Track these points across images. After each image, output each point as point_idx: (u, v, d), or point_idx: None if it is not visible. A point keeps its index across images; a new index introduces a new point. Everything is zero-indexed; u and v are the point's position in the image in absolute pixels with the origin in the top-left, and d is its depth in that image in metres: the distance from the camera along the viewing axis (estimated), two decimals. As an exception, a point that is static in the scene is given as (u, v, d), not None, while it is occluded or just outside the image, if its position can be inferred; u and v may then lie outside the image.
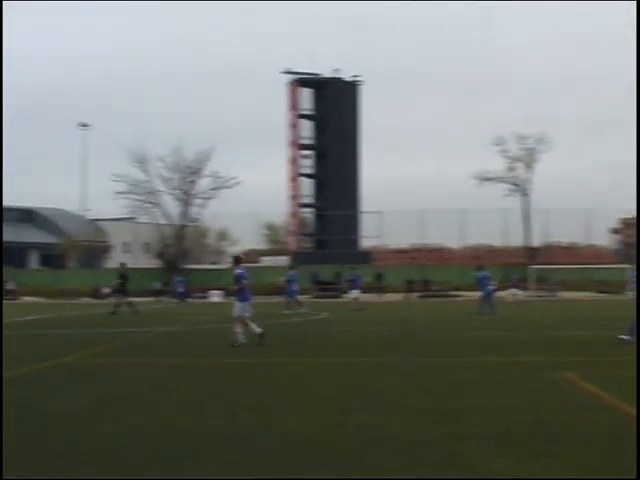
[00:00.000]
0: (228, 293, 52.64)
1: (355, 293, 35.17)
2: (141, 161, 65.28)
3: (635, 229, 63.72)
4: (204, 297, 54.95)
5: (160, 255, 67.10)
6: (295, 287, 33.41)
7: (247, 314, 17.31)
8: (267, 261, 69.06)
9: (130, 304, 31.65)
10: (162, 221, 67.61)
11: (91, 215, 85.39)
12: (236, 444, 7.36)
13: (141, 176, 65.79)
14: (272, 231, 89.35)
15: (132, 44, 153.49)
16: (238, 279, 17.34)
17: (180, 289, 45.72)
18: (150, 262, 68.29)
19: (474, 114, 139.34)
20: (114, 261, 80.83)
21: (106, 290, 56.54)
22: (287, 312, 31.44)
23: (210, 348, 17.50)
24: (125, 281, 32.58)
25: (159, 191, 66.56)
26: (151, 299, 53.02)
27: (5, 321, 27.82)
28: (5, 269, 67.80)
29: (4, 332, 22.48)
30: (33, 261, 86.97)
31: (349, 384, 11.35)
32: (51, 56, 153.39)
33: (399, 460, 6.64)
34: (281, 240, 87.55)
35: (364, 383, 11.41)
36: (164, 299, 54.79)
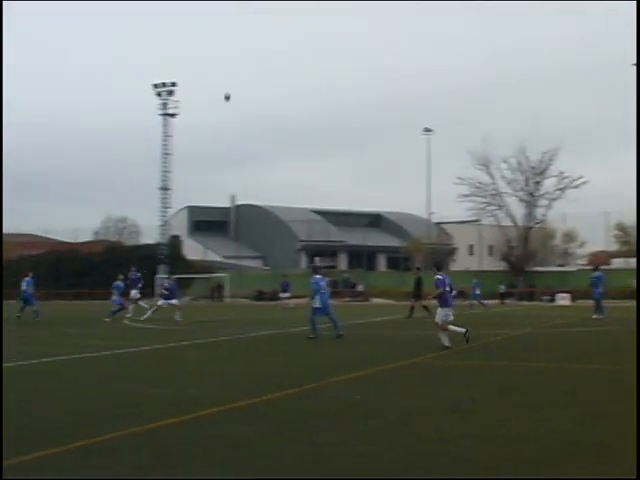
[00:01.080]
0: (577, 296, 50.83)
1: None
2: (485, 163, 65.11)
3: None
4: (552, 300, 53.55)
5: (505, 257, 66.42)
6: (600, 289, 31.14)
7: (450, 319, 17.19)
8: (618, 263, 65.74)
9: (425, 307, 31.61)
10: (506, 223, 66.89)
11: (436, 218, 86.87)
12: (594, 455, 6.83)
13: (485, 178, 65.63)
14: (623, 232, 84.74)
15: (459, 48, 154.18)
16: (438, 285, 17.35)
17: (477, 291, 44.80)
18: (495, 264, 67.87)
19: None
20: (459, 264, 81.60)
21: (453, 292, 56.97)
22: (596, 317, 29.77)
23: (552, 352, 16.81)
24: (419, 285, 32.75)
25: (503, 193, 65.96)
26: (496, 302, 52.70)
27: (359, 321, 28.95)
28: (355, 271, 71.08)
29: (361, 333, 23.34)
30: (381, 264, 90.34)
31: None
32: (408, 66, 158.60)
33: None
34: (633, 241, 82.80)
35: None
36: (509, 302, 54.34)
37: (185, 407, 9.40)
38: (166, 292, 31.27)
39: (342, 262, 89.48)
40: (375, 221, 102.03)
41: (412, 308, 31.78)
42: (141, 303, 33.09)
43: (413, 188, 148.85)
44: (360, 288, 63.37)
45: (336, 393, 10.77)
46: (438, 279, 17.53)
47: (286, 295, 44.09)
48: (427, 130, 78.03)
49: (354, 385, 11.57)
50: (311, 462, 6.74)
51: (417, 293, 32.67)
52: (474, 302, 41.95)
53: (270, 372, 13.50)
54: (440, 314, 17.24)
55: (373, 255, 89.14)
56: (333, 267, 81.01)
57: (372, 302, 58.10)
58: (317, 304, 20.54)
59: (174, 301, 31.09)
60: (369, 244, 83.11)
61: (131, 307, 32.54)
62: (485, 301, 42.87)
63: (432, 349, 16.65)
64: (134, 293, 33.43)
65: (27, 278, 32.56)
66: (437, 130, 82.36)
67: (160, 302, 31.13)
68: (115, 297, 32.29)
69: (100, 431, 7.89)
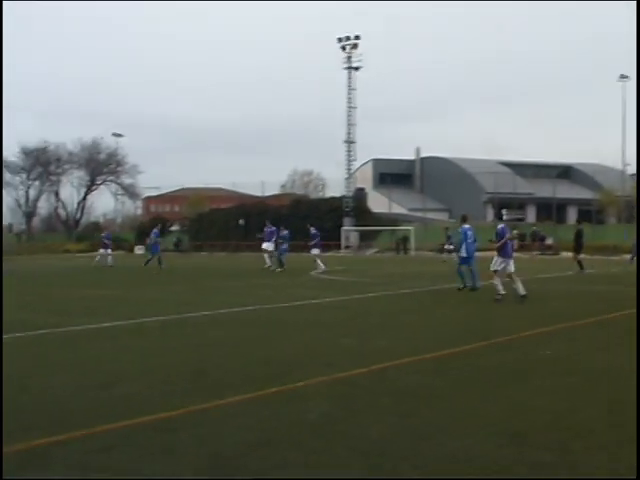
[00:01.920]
0: None
1: None
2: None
3: None
4: None
5: None
6: None
7: (509, 269, 17.66)
8: None
9: (579, 262, 30.28)
10: None
11: (631, 170, 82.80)
12: None
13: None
14: None
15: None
16: (499, 235, 17.94)
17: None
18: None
19: None
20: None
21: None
22: None
23: None
24: (579, 239, 31.63)
25: None
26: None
27: (546, 276, 28.18)
28: (544, 224, 69.13)
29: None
30: (572, 216, 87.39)
31: None
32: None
33: None
34: None
35: None
36: None
37: (374, 357, 9.51)
38: (314, 241, 32.65)
39: (530, 215, 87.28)
40: (565, 173, 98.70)
41: (580, 262, 30.92)
42: (267, 256, 33.93)
43: (607, 139, 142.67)
44: (549, 241, 61.60)
45: (526, 348, 10.57)
46: (501, 228, 18.33)
47: (450, 248, 44.05)
48: (623, 77, 74.23)
49: (544, 340, 11.29)
50: (501, 417, 6.65)
51: (577, 247, 31.84)
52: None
53: (458, 325, 13.44)
54: (496, 263, 17.80)
55: (563, 207, 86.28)
56: (521, 219, 79.25)
57: (562, 256, 56.35)
58: (464, 253, 20.94)
59: (315, 251, 32.62)
60: (559, 196, 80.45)
61: (266, 257, 33.66)
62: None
63: (622, 306, 15.97)
64: (267, 245, 34.34)
65: (155, 230, 35.41)
66: (635, 77, 78.15)
67: (313, 252, 32.55)
68: (284, 246, 33.74)
69: (291, 378, 8.12)
